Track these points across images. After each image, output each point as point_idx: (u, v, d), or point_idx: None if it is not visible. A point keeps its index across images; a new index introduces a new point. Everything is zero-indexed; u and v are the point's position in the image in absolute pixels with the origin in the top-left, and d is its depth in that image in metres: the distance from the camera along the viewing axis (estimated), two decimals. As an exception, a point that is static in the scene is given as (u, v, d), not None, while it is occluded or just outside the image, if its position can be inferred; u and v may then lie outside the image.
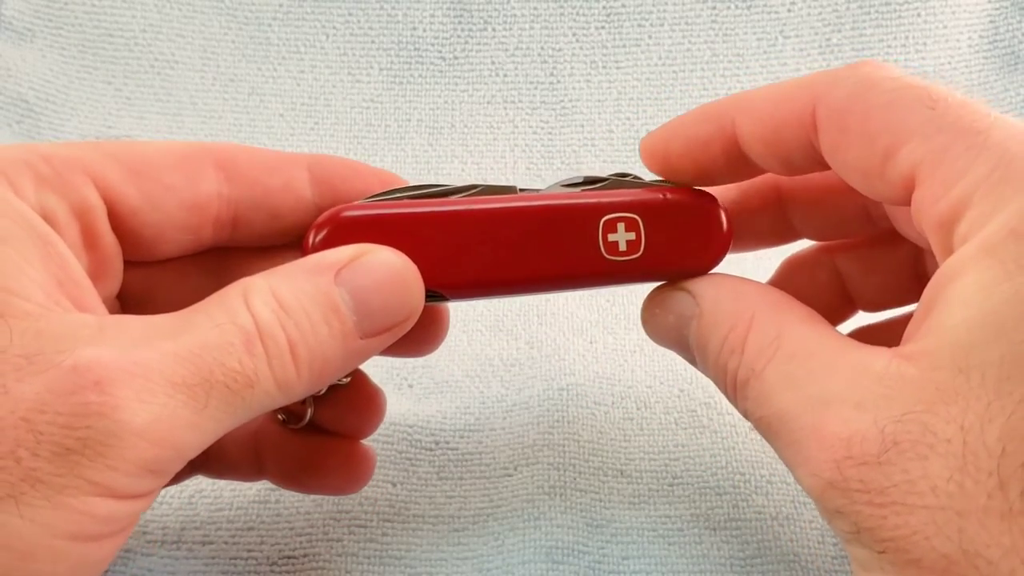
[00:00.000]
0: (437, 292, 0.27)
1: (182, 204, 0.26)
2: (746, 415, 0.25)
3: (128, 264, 0.27)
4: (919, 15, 0.50)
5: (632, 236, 0.27)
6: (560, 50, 0.52)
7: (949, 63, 0.50)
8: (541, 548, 0.32)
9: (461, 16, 0.52)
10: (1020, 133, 0.22)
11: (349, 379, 0.31)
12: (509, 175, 0.50)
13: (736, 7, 0.51)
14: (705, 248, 0.27)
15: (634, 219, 0.27)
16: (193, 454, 0.22)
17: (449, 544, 0.32)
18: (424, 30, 0.52)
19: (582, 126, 0.51)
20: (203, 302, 0.24)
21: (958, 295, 0.21)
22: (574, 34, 0.52)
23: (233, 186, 0.27)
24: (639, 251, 0.27)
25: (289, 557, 0.32)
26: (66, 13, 0.51)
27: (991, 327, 0.21)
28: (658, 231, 0.27)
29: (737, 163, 0.27)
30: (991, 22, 0.51)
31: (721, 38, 0.51)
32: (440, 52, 0.52)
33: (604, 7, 0.52)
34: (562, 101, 0.52)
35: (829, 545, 0.32)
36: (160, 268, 0.28)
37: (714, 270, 0.28)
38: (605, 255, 0.27)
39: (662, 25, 0.51)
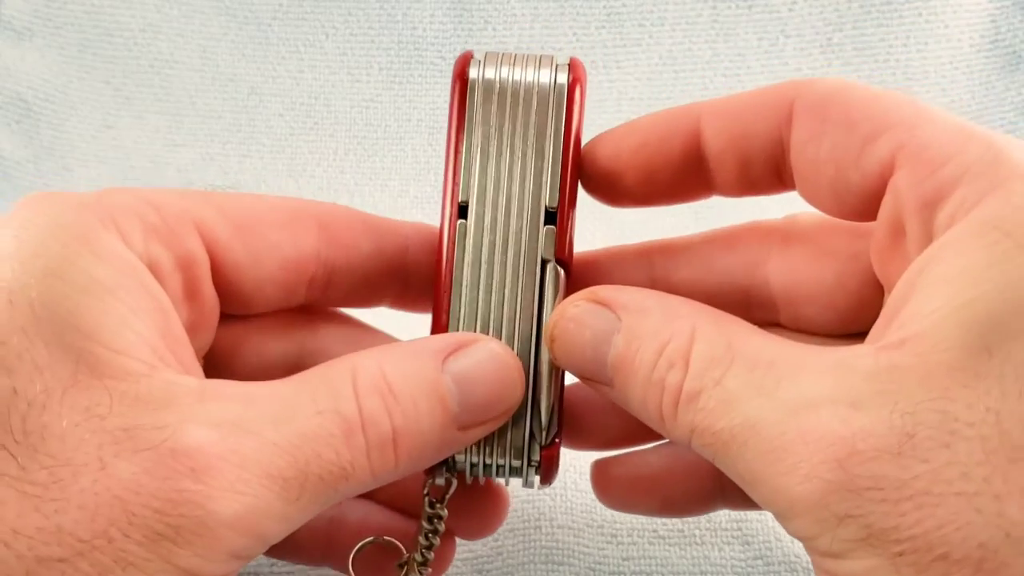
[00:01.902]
0: None
1: (283, 262, 0.26)
2: (691, 432, 0.23)
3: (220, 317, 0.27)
4: (920, 14, 0.50)
5: None
6: (560, 50, 0.52)
7: (950, 63, 0.50)
8: (541, 549, 0.31)
9: (461, 16, 0.52)
10: (1003, 135, 0.22)
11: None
12: (509, 175, 0.50)
13: (737, 6, 0.51)
14: None
15: None
16: (277, 541, 0.22)
17: (449, 545, 0.32)
18: (424, 30, 0.52)
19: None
20: (307, 376, 0.23)
21: (959, 272, 0.20)
22: (574, 34, 0.52)
23: (331, 248, 0.27)
24: None
25: (288, 558, 0.32)
26: (65, 13, 0.51)
27: (1012, 302, 0.20)
28: None
29: (689, 168, 0.26)
30: (992, 22, 0.50)
31: (722, 38, 0.50)
32: (440, 52, 0.52)
33: (604, 7, 0.52)
34: (562, 101, 0.52)
35: (831, 546, 0.32)
36: (246, 322, 0.28)
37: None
38: None
39: (662, 25, 0.51)
